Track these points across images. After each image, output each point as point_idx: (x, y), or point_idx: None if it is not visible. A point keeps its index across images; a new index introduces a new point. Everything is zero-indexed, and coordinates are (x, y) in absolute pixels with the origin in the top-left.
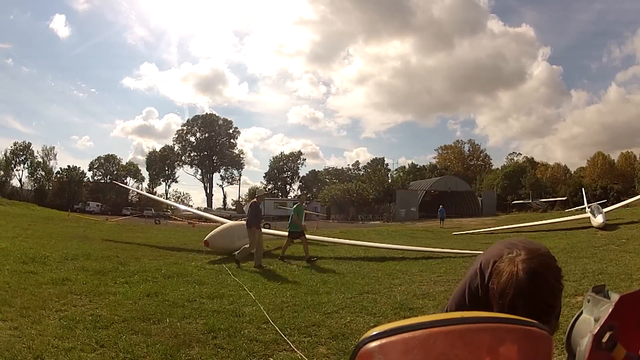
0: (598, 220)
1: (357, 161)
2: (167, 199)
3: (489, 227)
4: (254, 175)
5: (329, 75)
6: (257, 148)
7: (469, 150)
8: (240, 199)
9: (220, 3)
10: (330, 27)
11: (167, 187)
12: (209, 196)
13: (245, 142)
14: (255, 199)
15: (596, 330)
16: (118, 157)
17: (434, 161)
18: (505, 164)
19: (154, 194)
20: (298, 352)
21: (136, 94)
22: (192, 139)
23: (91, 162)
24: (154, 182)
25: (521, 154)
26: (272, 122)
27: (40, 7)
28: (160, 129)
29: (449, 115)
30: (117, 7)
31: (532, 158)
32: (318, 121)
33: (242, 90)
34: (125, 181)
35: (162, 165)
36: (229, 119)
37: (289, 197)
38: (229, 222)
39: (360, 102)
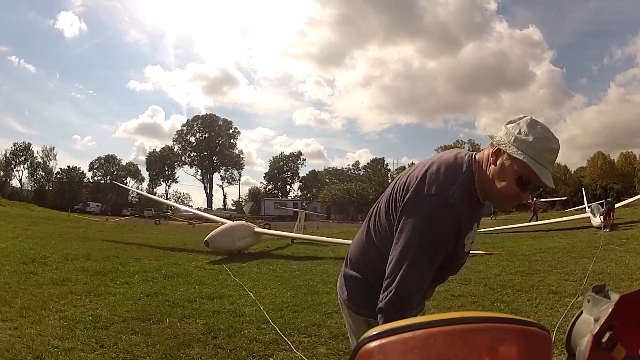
0: (598, 220)
1: (357, 161)
2: (167, 199)
3: (489, 227)
4: (258, 176)
5: (334, 77)
6: (261, 149)
7: (468, 150)
8: (241, 199)
9: (228, 4)
10: (337, 29)
11: (167, 187)
12: (209, 196)
13: (251, 143)
14: None
15: (596, 330)
16: (118, 158)
17: None
18: None
19: (154, 194)
20: (298, 352)
21: (140, 96)
22: (192, 139)
23: (91, 163)
24: (154, 183)
25: None
26: (278, 123)
27: (44, 6)
28: (166, 129)
29: (454, 116)
30: (116, 9)
31: None
32: (323, 122)
33: (249, 92)
34: (125, 181)
35: (162, 165)
36: (229, 119)
37: (289, 198)
38: (229, 223)
39: (365, 103)
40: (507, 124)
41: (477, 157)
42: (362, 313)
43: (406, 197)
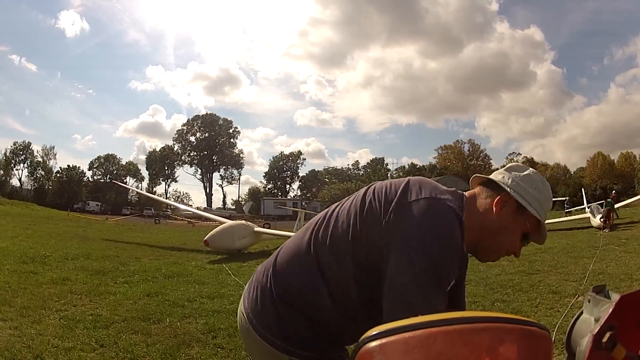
0: (597, 220)
1: (357, 161)
2: (167, 198)
3: None
4: (258, 175)
5: (335, 78)
6: (262, 148)
7: (468, 150)
8: (240, 199)
9: (228, 4)
10: (339, 30)
11: (166, 186)
12: (209, 196)
13: (252, 143)
14: None
15: (596, 330)
16: (118, 157)
17: (434, 161)
18: (505, 164)
19: (154, 193)
20: None
21: (141, 96)
22: (192, 138)
23: (91, 162)
24: (153, 182)
25: (521, 154)
26: (279, 123)
27: (45, 5)
28: (167, 129)
29: (454, 117)
30: (115, 9)
31: (532, 158)
32: (324, 122)
33: (250, 92)
34: (125, 181)
35: (161, 164)
36: (229, 119)
37: (289, 197)
38: (229, 222)
39: (366, 104)
40: (512, 171)
41: (467, 194)
42: (288, 351)
43: (392, 208)
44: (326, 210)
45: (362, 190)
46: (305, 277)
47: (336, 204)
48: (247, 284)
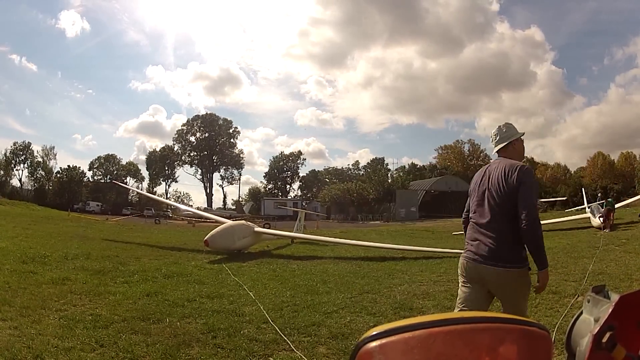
0: (598, 220)
1: (357, 161)
2: (167, 198)
3: None
4: (259, 175)
5: (335, 78)
6: (263, 148)
7: (468, 150)
8: (241, 199)
9: (229, 4)
10: (339, 30)
11: (167, 187)
12: (209, 196)
13: (252, 143)
14: None
15: (596, 331)
16: (118, 157)
17: (434, 161)
18: None
19: (154, 194)
20: (298, 352)
21: (142, 96)
22: (192, 138)
23: (91, 162)
24: (154, 182)
25: None
26: (279, 123)
27: (45, 5)
28: (167, 129)
29: (455, 117)
30: (115, 9)
31: (532, 158)
32: (324, 122)
33: (251, 92)
34: (125, 181)
35: (162, 165)
36: (229, 119)
37: (289, 197)
38: (229, 222)
39: (366, 104)
40: (508, 125)
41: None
42: (517, 266)
43: (518, 177)
44: (477, 189)
45: (497, 170)
46: (508, 224)
47: (480, 181)
48: (469, 245)
